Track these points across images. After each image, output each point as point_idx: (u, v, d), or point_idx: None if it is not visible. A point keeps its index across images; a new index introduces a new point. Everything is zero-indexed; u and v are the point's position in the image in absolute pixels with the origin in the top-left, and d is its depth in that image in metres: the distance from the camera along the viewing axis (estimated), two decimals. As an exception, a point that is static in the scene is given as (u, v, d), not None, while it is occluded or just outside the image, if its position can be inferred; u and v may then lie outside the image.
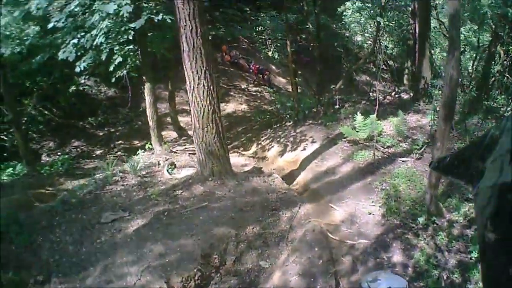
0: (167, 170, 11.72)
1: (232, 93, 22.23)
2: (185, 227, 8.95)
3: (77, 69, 11.37)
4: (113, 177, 11.25)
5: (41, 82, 15.25)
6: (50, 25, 10.96)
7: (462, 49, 18.17)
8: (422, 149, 11.86)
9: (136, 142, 15.05)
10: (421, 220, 8.80)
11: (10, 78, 13.94)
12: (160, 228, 8.88)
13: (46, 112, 16.46)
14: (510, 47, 15.45)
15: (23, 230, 8.81)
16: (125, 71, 13.21)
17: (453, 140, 11.94)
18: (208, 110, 9.94)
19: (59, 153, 15.11)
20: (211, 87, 9.87)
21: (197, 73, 9.58)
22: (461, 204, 9.31)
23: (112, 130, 17.12)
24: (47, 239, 8.77)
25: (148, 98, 13.19)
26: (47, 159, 14.89)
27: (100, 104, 17.97)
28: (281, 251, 8.71)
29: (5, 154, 14.80)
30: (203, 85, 9.71)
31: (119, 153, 14.86)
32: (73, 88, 15.04)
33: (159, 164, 12.35)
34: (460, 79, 11.48)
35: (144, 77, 13.18)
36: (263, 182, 11.04)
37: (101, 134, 16.82)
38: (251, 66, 23.40)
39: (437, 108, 13.27)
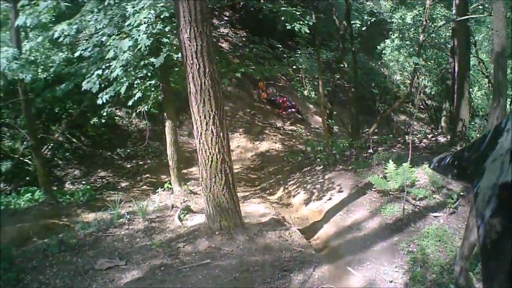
0: (179, 216, 10.96)
1: (267, 131, 21.61)
2: (180, 286, 8.09)
3: (99, 101, 11.13)
4: (120, 218, 10.60)
5: (71, 109, 15.17)
6: (77, 54, 10.95)
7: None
8: (457, 202, 10.81)
9: (163, 176, 14.46)
10: (448, 292, 7.77)
11: (35, 103, 14.07)
12: (153, 284, 8.07)
13: (73, 140, 16.46)
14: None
15: (13, 267, 8.30)
16: (146, 107, 12.82)
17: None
18: (217, 159, 9.12)
19: (83, 182, 14.92)
20: (221, 133, 9.05)
21: (204, 118, 8.80)
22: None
23: (141, 162, 16.74)
24: (36, 280, 8.14)
25: (169, 137, 12.60)
26: (71, 187, 14.59)
27: (130, 135, 17.84)
28: None
29: (28, 178, 14.80)
30: (211, 132, 8.90)
31: (144, 186, 14.63)
32: (99, 118, 14.76)
33: (173, 207, 11.63)
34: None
35: (165, 114, 12.64)
36: (278, 238, 10.18)
37: (128, 166, 16.46)
38: (280, 99, 22.85)
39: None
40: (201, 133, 8.97)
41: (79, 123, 15.69)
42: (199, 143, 9.13)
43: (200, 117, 8.83)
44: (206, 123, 8.84)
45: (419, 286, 8.18)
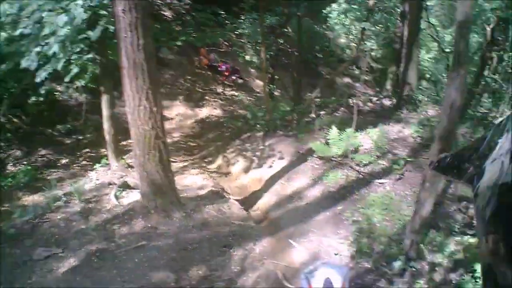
0: (115, 194, 10.32)
1: (207, 98, 20.89)
2: (117, 272, 7.51)
3: (37, 79, 10.26)
4: (56, 201, 9.85)
5: (13, 88, 14.33)
6: (17, 32, 10.13)
7: (448, 50, 17.23)
8: (404, 168, 10.35)
9: (103, 150, 13.66)
10: (397, 265, 7.27)
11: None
12: (89, 273, 7.47)
13: (14, 120, 15.46)
14: (506, 51, 14.19)
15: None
16: (83, 82, 12.08)
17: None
18: (150, 135, 8.44)
19: (24, 162, 14.01)
20: (154, 109, 8.32)
21: (137, 93, 8.06)
22: (446, 241, 7.80)
23: (80, 137, 15.76)
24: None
25: (105, 111, 11.87)
26: (13, 168, 13.76)
27: (70, 110, 16.76)
28: None
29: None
30: (145, 107, 8.18)
31: (84, 162, 13.71)
32: (39, 96, 13.92)
33: (109, 184, 11.02)
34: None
35: (102, 88, 11.95)
36: (216, 212, 9.62)
37: (68, 141, 15.46)
38: (222, 66, 22.43)
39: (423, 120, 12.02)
40: (133, 108, 8.26)
41: (20, 102, 14.98)
42: (132, 119, 8.45)
43: (132, 92, 8.11)
44: (139, 99, 8.12)
45: (366, 258, 7.64)
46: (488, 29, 13.97)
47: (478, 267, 6.79)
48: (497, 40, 14.21)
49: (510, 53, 13.72)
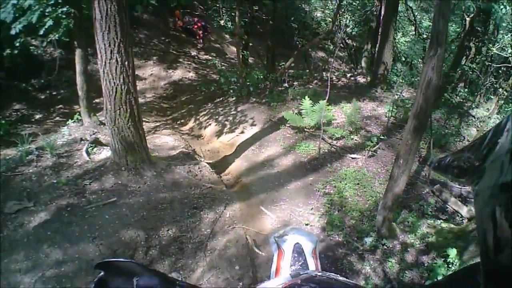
0: (87, 150, 10.08)
1: (181, 60, 20.76)
2: (87, 228, 7.37)
3: (13, 31, 10.02)
4: (29, 155, 9.57)
5: None
6: None
7: (425, 35, 17.32)
8: (377, 146, 10.37)
9: (76, 106, 13.36)
10: (368, 241, 7.30)
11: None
12: (59, 228, 7.31)
13: None
14: (484, 44, 14.33)
15: None
16: (57, 36, 11.53)
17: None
18: (122, 90, 8.18)
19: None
20: (126, 63, 8.05)
21: (109, 45, 7.78)
22: (419, 222, 7.88)
23: (54, 93, 15.60)
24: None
25: (78, 66, 11.48)
26: None
27: (44, 65, 16.39)
28: (198, 262, 7.19)
29: None
30: (116, 60, 7.91)
31: (57, 118, 13.55)
32: (13, 49, 13.50)
33: (81, 140, 10.74)
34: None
35: (75, 42, 11.52)
36: (187, 173, 9.47)
37: (42, 97, 15.31)
38: (195, 26, 22.18)
39: (397, 101, 12.04)
40: (105, 62, 7.98)
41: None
42: (103, 73, 8.16)
43: (104, 45, 7.82)
44: (111, 51, 7.86)
45: (337, 232, 7.63)
46: (468, 18, 14.03)
47: (451, 253, 6.87)
48: (476, 30, 14.27)
49: (489, 46, 13.80)
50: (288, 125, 11.65)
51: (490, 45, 13.77)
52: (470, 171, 1.37)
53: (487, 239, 1.12)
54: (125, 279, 1.74)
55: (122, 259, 1.73)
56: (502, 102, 13.84)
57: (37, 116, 13.35)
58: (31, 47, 15.39)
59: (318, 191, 8.91)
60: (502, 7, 12.28)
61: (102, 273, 1.70)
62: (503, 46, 13.31)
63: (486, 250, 1.13)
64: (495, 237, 1.09)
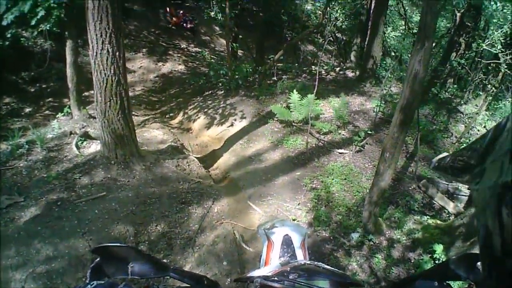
0: (76, 144, 10.17)
1: (170, 52, 20.80)
2: (77, 222, 7.36)
3: (4, 22, 9.95)
4: (19, 149, 9.65)
5: None
6: None
7: (416, 30, 17.32)
8: (364, 141, 10.42)
9: (66, 100, 13.37)
10: (355, 237, 7.35)
11: None
12: (50, 223, 7.31)
13: None
14: (474, 40, 14.37)
15: None
16: (48, 26, 11.43)
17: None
18: (112, 81, 8.17)
19: None
20: (117, 53, 8.05)
21: (101, 36, 7.77)
22: (405, 218, 7.95)
23: (44, 86, 15.49)
24: None
25: (68, 57, 11.51)
26: None
27: (35, 57, 16.31)
28: (186, 258, 7.20)
29: None
30: (107, 51, 7.89)
31: (47, 111, 13.48)
32: (4, 40, 13.37)
33: (71, 134, 10.85)
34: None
35: (66, 33, 11.55)
36: (176, 167, 9.51)
37: (32, 90, 15.18)
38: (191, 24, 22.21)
39: (386, 96, 12.07)
40: (96, 52, 7.96)
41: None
42: (94, 64, 8.12)
43: (96, 35, 7.81)
44: (102, 42, 7.84)
45: (324, 227, 7.67)
46: (458, 14, 14.06)
47: (437, 248, 6.93)
48: (466, 26, 14.31)
49: (479, 41, 13.84)
50: (276, 119, 11.66)
51: (480, 41, 13.80)
52: (470, 171, 1.46)
53: (494, 239, 1.20)
54: (120, 265, 1.79)
55: (118, 244, 1.77)
56: (491, 98, 13.90)
57: (27, 110, 13.33)
58: (21, 39, 15.31)
59: (305, 186, 8.95)
60: (492, 3, 12.33)
61: (98, 259, 1.74)
62: (493, 43, 13.35)
63: (490, 248, 1.23)
64: (502, 237, 1.16)
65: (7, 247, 6.80)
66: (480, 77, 14.92)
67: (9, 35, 11.19)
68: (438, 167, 1.97)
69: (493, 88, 13.81)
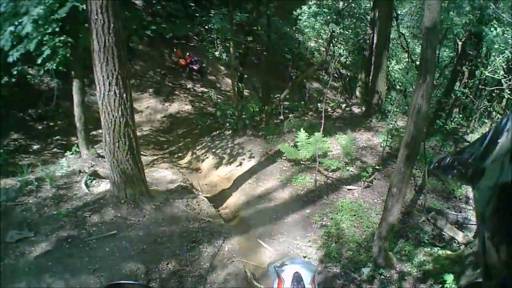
0: (86, 182, 10.18)
1: (177, 92, 20.81)
2: (88, 259, 7.47)
3: (10, 59, 10.10)
4: (28, 185, 9.66)
5: None
6: None
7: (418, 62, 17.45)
8: (372, 176, 10.46)
9: (73, 138, 13.48)
10: (366, 271, 7.37)
11: None
12: (61, 259, 7.40)
13: None
14: (477, 67, 14.47)
15: None
16: (54, 65, 11.58)
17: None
18: (120, 123, 8.31)
19: None
20: (124, 95, 8.21)
21: (107, 77, 7.93)
22: (415, 251, 7.94)
23: (51, 124, 15.65)
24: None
25: (76, 97, 11.61)
26: None
27: (41, 95, 16.35)
28: None
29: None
30: (115, 93, 8.06)
31: (55, 149, 13.66)
32: (10, 77, 13.58)
33: (80, 172, 10.82)
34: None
35: (73, 73, 11.69)
36: (185, 206, 9.56)
37: (39, 127, 15.33)
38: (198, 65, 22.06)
39: (392, 130, 12.12)
40: (103, 94, 8.12)
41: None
42: (102, 105, 8.30)
43: (103, 77, 7.97)
44: (109, 83, 8.00)
45: (335, 263, 7.69)
46: (460, 42, 14.19)
47: (448, 278, 6.93)
48: (468, 54, 14.40)
49: (482, 69, 13.94)
50: (285, 157, 11.71)
51: (483, 68, 13.89)
52: (470, 171, 1.45)
53: (487, 239, 1.21)
54: None
55: (131, 281, 1.84)
56: (496, 125, 13.95)
57: (35, 147, 13.51)
58: (28, 76, 15.49)
59: (315, 223, 9.00)
60: (492, 29, 12.43)
61: None
62: (495, 69, 13.43)
63: (488, 249, 1.22)
64: (496, 236, 1.19)
65: (17, 280, 6.90)
66: (484, 104, 14.98)
67: (15, 72, 11.36)
68: (438, 167, 1.86)
69: (498, 115, 13.86)
